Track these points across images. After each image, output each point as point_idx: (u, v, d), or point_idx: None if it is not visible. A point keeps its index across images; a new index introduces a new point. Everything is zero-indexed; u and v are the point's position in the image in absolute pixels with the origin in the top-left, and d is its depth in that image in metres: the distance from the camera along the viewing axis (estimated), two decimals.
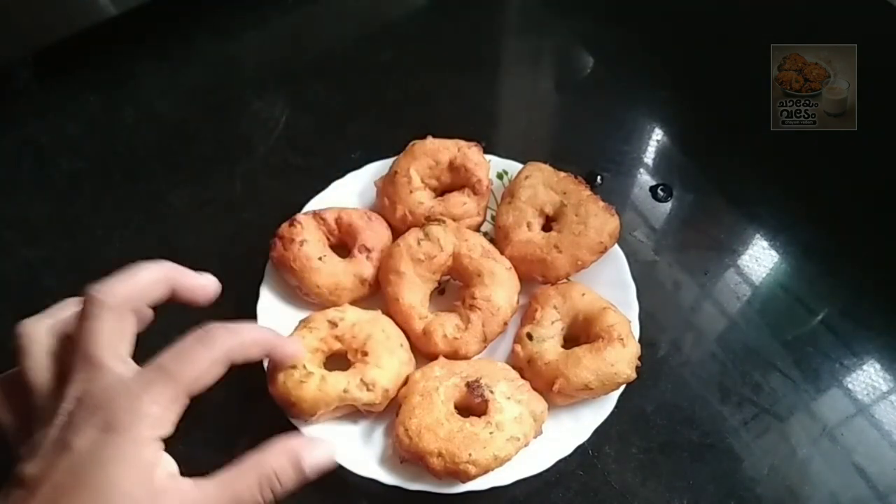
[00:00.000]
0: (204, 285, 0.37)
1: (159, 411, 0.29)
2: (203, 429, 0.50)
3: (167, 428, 0.30)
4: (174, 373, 0.30)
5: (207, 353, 0.31)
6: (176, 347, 0.31)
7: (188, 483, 0.30)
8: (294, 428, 0.47)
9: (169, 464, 0.31)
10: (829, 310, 0.58)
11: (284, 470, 0.32)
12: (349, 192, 0.60)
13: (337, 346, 0.49)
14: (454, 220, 0.55)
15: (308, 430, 0.47)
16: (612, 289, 0.53)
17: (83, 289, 0.33)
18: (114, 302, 0.32)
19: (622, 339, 0.48)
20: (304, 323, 0.50)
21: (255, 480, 0.31)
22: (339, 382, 0.46)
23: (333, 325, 0.49)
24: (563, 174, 0.56)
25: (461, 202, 0.56)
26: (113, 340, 0.31)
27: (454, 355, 0.50)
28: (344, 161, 0.63)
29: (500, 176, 0.60)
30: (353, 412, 0.48)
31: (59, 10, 0.66)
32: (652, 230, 0.63)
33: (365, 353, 0.48)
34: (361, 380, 0.46)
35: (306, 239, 0.54)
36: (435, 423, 0.45)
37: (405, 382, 0.48)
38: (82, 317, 0.32)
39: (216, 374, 0.32)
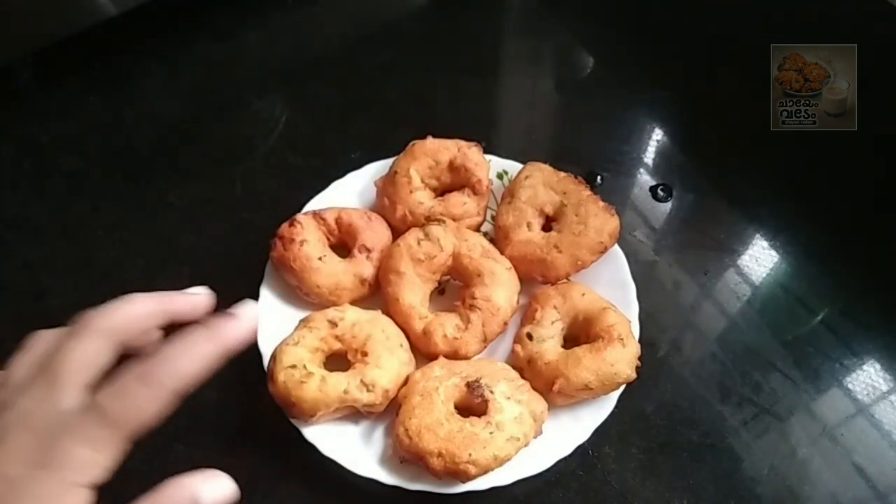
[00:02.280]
0: (195, 303, 0.35)
1: (95, 461, 0.28)
2: (203, 429, 0.50)
3: (98, 474, 0.28)
4: (110, 415, 0.28)
5: (148, 392, 0.29)
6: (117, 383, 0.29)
7: None
8: (294, 428, 0.47)
9: None
10: (829, 310, 0.58)
11: None
12: (349, 192, 0.60)
13: (337, 345, 0.49)
14: (454, 220, 0.55)
15: (308, 431, 0.47)
16: (612, 289, 0.53)
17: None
18: (97, 328, 0.31)
19: (622, 339, 0.48)
20: (304, 322, 0.50)
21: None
22: (339, 383, 0.46)
23: (333, 324, 0.49)
24: (563, 174, 0.56)
25: (461, 202, 0.56)
26: (80, 364, 0.30)
27: (454, 355, 0.50)
28: (344, 161, 0.63)
29: (500, 176, 0.60)
30: (353, 413, 0.48)
31: (59, 10, 0.66)
32: (652, 230, 0.63)
33: (365, 354, 0.48)
34: (361, 380, 0.46)
35: (306, 239, 0.54)
36: (435, 423, 0.45)
37: (405, 382, 0.48)
38: (64, 335, 0.31)
39: (154, 410, 0.29)
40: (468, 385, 0.47)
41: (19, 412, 0.28)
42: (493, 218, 0.58)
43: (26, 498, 0.27)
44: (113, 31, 0.71)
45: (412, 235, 0.53)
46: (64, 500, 0.27)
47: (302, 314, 0.52)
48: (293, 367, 0.46)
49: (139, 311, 0.32)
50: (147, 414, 0.29)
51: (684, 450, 0.50)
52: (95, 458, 0.28)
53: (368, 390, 0.46)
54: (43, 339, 0.32)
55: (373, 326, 0.49)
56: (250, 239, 0.60)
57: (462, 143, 0.58)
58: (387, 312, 0.52)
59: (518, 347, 0.51)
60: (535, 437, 0.46)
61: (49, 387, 0.29)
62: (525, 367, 0.50)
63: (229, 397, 0.50)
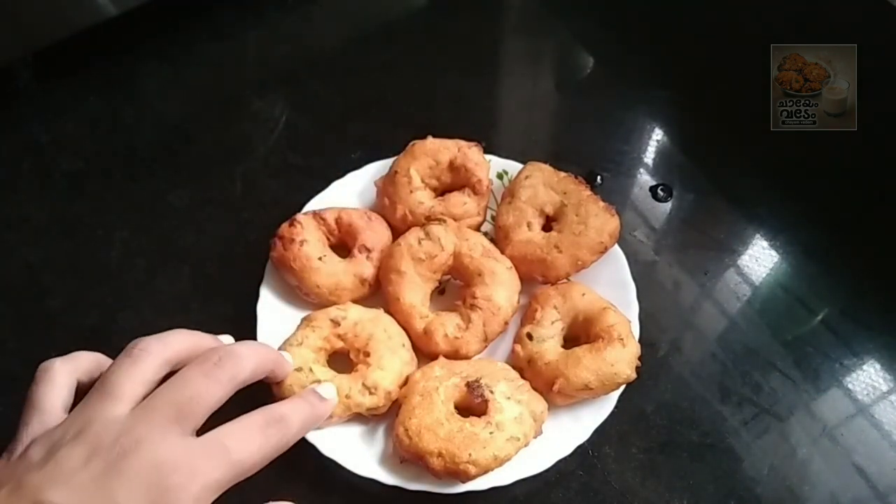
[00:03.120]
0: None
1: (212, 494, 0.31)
2: (203, 429, 0.50)
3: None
4: (223, 450, 0.33)
5: (247, 422, 0.35)
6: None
7: None
8: None
9: None
10: (829, 310, 0.58)
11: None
12: (349, 192, 0.60)
13: (339, 344, 0.49)
14: (454, 219, 0.55)
15: (310, 433, 0.47)
16: (612, 289, 0.53)
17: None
18: (153, 352, 0.34)
19: (622, 339, 0.48)
20: (306, 321, 0.50)
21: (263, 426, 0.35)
22: (342, 388, 0.46)
23: (336, 323, 0.49)
24: (563, 174, 0.56)
25: (461, 202, 0.56)
26: (137, 382, 0.32)
27: (455, 355, 0.50)
28: (344, 161, 0.63)
29: (500, 176, 0.60)
30: (356, 417, 0.48)
31: (59, 10, 0.66)
32: (652, 230, 0.63)
33: (367, 354, 0.48)
34: (363, 384, 0.46)
35: (306, 239, 0.54)
36: (435, 423, 0.45)
37: (407, 382, 0.48)
38: (120, 356, 0.34)
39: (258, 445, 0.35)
40: (468, 385, 0.47)
41: (89, 421, 0.31)
42: (493, 218, 0.58)
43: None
44: (113, 31, 0.71)
45: (413, 235, 0.53)
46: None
47: (302, 314, 0.52)
48: (299, 369, 0.46)
49: (181, 343, 0.36)
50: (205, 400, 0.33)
51: (684, 450, 0.50)
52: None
53: (371, 393, 0.46)
54: (62, 371, 0.34)
55: (375, 326, 0.49)
56: (250, 239, 0.60)
57: (462, 143, 0.58)
58: (387, 312, 0.52)
59: (518, 347, 0.51)
60: (535, 437, 0.46)
61: (108, 400, 0.32)
62: (525, 367, 0.50)
63: (232, 400, 0.50)
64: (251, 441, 0.33)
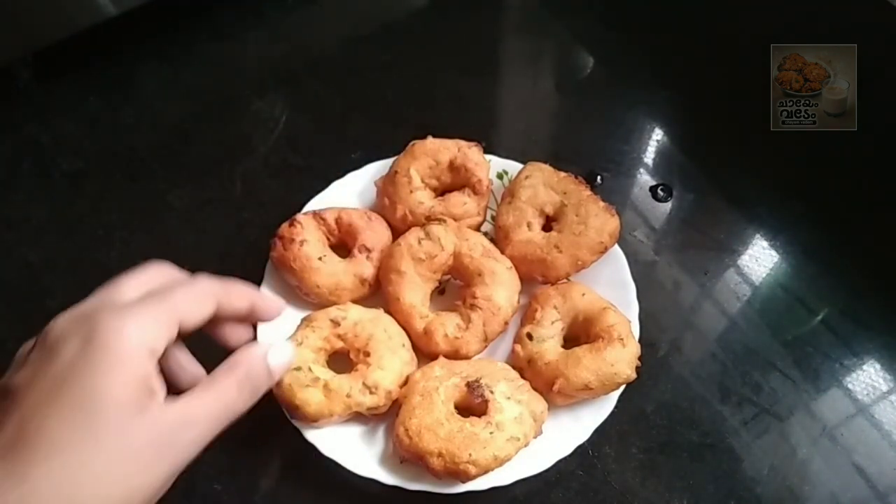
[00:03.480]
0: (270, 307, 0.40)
1: (145, 324, 0.31)
2: None
3: (155, 341, 0.31)
4: (164, 296, 0.33)
5: (198, 286, 0.34)
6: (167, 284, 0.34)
7: (178, 398, 0.32)
8: (294, 428, 0.47)
9: (191, 367, 0.35)
10: (829, 310, 0.58)
11: (253, 369, 0.35)
12: (349, 192, 0.60)
13: (339, 344, 0.49)
14: (454, 219, 0.55)
15: (308, 431, 0.47)
16: (612, 289, 0.53)
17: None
18: (208, 286, 0.35)
19: (622, 339, 0.48)
20: (306, 322, 0.50)
21: (233, 382, 0.33)
22: (342, 387, 0.46)
23: (336, 323, 0.49)
24: (563, 174, 0.56)
25: (461, 202, 0.56)
26: (186, 300, 0.33)
27: (455, 355, 0.50)
28: (344, 161, 0.63)
29: (500, 176, 0.60)
30: (356, 416, 0.48)
31: (59, 10, 0.66)
32: (652, 230, 0.63)
33: (367, 354, 0.48)
34: (364, 383, 0.46)
35: (306, 239, 0.54)
36: (435, 423, 0.45)
37: (407, 382, 0.48)
38: (182, 278, 0.36)
39: (206, 310, 0.34)
40: (468, 385, 0.47)
41: (66, 317, 0.32)
42: (493, 218, 0.58)
43: (91, 369, 0.29)
44: (113, 31, 0.71)
45: (413, 235, 0.53)
46: (131, 364, 0.30)
47: (302, 314, 0.52)
48: (298, 369, 0.46)
49: (239, 292, 0.38)
50: (196, 303, 0.34)
51: (684, 450, 0.50)
52: (151, 326, 0.31)
53: (371, 393, 0.46)
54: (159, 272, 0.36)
55: (375, 326, 0.49)
56: (250, 239, 0.60)
57: (462, 143, 0.58)
58: (387, 312, 0.52)
59: (518, 347, 0.51)
60: (535, 437, 0.46)
61: (103, 291, 0.34)
62: (525, 367, 0.50)
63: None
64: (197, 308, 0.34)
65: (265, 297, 0.40)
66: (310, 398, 0.45)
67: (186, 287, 0.34)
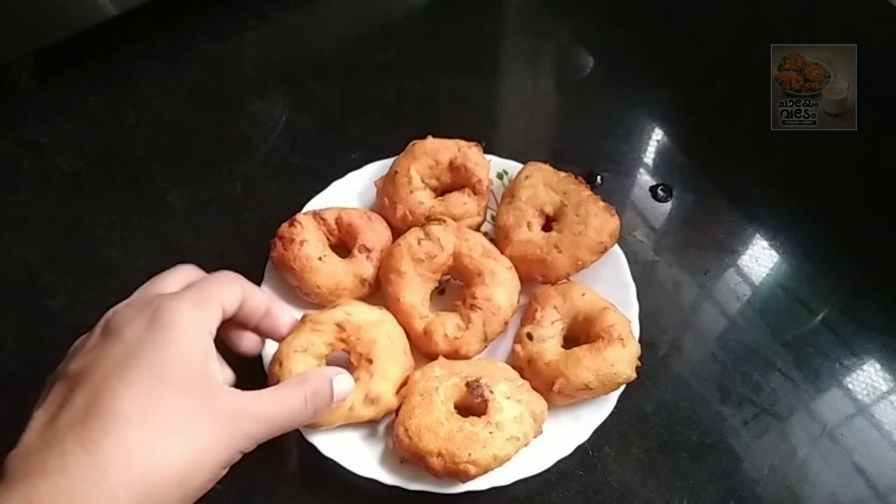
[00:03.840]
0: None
1: (199, 305, 0.34)
2: None
3: (210, 321, 0.34)
4: (204, 284, 0.36)
5: (229, 276, 0.38)
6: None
7: (246, 392, 0.34)
8: (295, 430, 0.47)
9: (224, 369, 0.37)
10: (829, 310, 0.58)
11: (321, 390, 0.38)
12: (349, 192, 0.60)
13: (341, 347, 0.48)
14: (454, 220, 0.55)
15: (310, 434, 0.47)
16: (612, 289, 0.53)
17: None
18: (240, 281, 0.39)
19: (622, 339, 0.48)
20: (311, 325, 0.47)
21: (301, 395, 0.37)
22: (345, 399, 0.44)
23: (341, 328, 0.48)
24: (563, 174, 0.56)
25: (461, 202, 0.56)
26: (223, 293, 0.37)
27: (455, 355, 0.50)
28: (344, 161, 0.63)
29: (500, 176, 0.60)
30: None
31: (59, 10, 0.66)
32: (652, 230, 0.63)
33: (370, 361, 0.47)
34: (367, 396, 0.46)
35: (306, 239, 0.54)
36: (435, 423, 0.45)
37: (405, 383, 0.48)
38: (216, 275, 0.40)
39: (238, 296, 0.38)
40: (468, 385, 0.47)
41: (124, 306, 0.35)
42: (493, 218, 0.58)
43: (156, 348, 0.31)
44: (113, 31, 0.71)
45: (413, 235, 0.53)
46: (194, 344, 0.32)
47: (302, 314, 0.52)
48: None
49: (260, 292, 0.42)
50: (230, 291, 0.37)
51: (684, 450, 0.50)
52: (205, 309, 0.34)
53: (373, 404, 0.46)
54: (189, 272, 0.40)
55: (378, 331, 0.48)
56: (250, 239, 0.60)
57: (462, 143, 0.58)
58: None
59: (518, 347, 0.51)
60: (535, 437, 0.46)
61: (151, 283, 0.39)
62: (525, 367, 0.50)
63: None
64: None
65: (282, 306, 0.43)
66: None
67: (219, 276, 0.37)
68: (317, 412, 0.38)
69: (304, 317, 0.48)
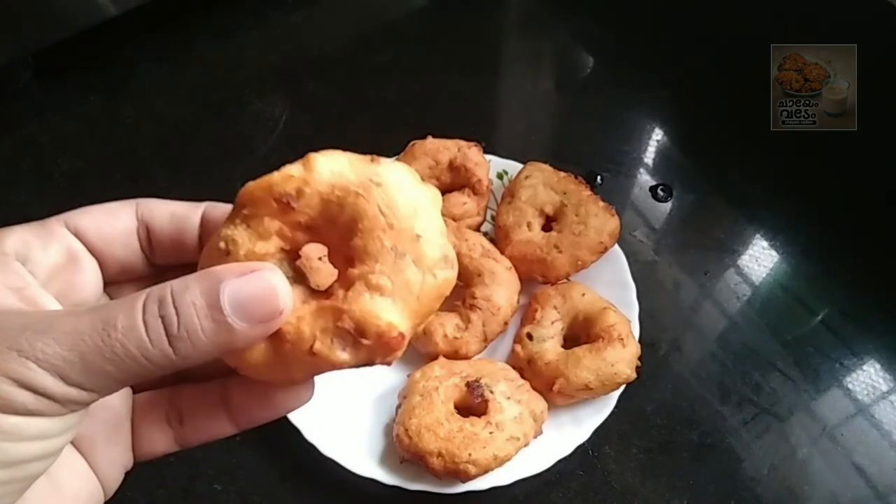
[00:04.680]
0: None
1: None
2: None
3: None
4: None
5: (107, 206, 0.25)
6: None
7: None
8: (294, 428, 0.47)
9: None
10: (829, 310, 0.58)
11: (187, 294, 0.20)
12: None
13: (306, 240, 0.24)
14: (454, 219, 0.55)
15: (308, 431, 0.47)
16: (612, 289, 0.53)
17: None
18: None
19: (622, 339, 0.48)
20: (236, 211, 0.25)
21: (139, 300, 0.20)
22: (303, 334, 0.22)
23: (287, 208, 0.23)
24: (563, 174, 0.56)
25: (461, 202, 0.56)
26: None
27: (454, 355, 0.50)
28: None
29: (500, 176, 0.60)
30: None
31: (59, 10, 0.66)
32: (652, 230, 0.63)
33: (349, 260, 0.23)
34: (337, 325, 0.22)
35: None
36: (435, 423, 0.45)
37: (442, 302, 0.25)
38: None
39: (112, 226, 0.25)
40: (468, 385, 0.47)
41: None
42: (493, 218, 0.58)
43: None
44: (113, 31, 0.71)
45: None
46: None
47: None
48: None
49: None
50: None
51: (684, 450, 0.50)
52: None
53: (354, 343, 0.22)
54: None
55: (366, 206, 0.23)
56: None
57: (462, 143, 0.58)
58: None
59: (518, 347, 0.51)
60: (535, 437, 0.46)
61: None
62: (525, 367, 0.50)
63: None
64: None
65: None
66: (250, 358, 0.22)
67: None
68: (192, 344, 0.20)
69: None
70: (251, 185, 0.24)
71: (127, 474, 0.25)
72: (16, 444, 0.19)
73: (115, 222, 0.25)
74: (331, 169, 0.24)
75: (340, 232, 0.23)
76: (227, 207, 0.26)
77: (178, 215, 0.26)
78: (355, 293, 0.22)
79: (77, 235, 0.24)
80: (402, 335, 0.22)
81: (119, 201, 0.25)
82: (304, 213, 0.23)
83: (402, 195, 0.24)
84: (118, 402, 0.24)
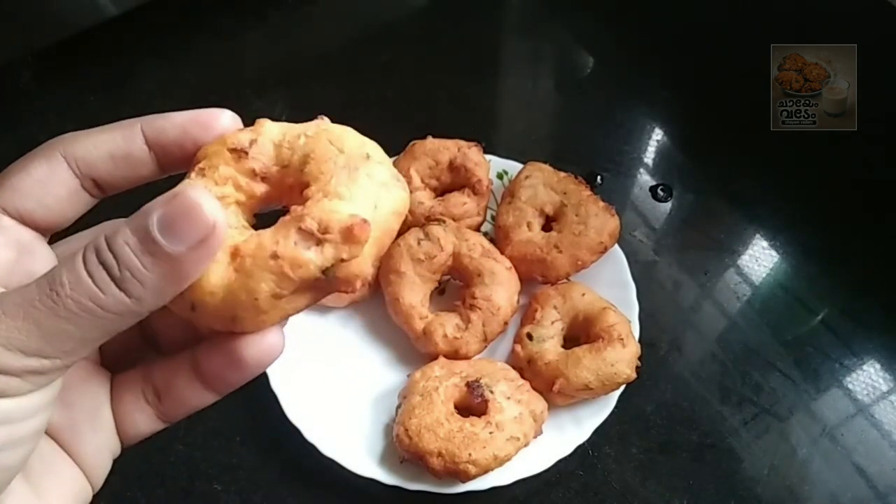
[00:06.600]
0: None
1: None
2: (203, 430, 0.50)
3: None
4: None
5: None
6: None
7: None
8: (294, 428, 0.47)
9: None
10: (829, 310, 0.58)
11: (119, 236, 0.19)
12: None
13: (260, 190, 0.25)
14: (454, 220, 0.55)
15: (308, 431, 0.47)
16: (612, 289, 0.53)
17: None
18: None
19: (622, 339, 0.48)
20: (194, 162, 0.26)
21: (78, 255, 0.20)
22: (264, 244, 0.22)
23: (241, 154, 0.25)
24: (563, 174, 0.56)
25: (461, 202, 0.56)
26: None
27: (454, 355, 0.50)
28: None
29: (500, 176, 0.60)
30: (317, 294, 0.24)
31: (59, 10, 0.66)
32: (652, 230, 0.63)
33: (305, 185, 0.24)
34: (300, 228, 0.22)
35: None
36: (435, 422, 0.45)
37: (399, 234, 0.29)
38: None
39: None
40: (468, 385, 0.47)
41: None
42: (493, 218, 0.58)
43: None
44: (113, 31, 0.71)
45: (412, 235, 0.53)
46: None
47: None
48: None
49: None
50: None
51: (684, 450, 0.50)
52: None
53: (318, 242, 0.22)
54: None
55: (315, 142, 0.25)
56: None
57: (462, 143, 0.58)
58: (388, 312, 0.52)
59: (518, 347, 0.51)
60: (535, 437, 0.46)
61: None
62: (525, 367, 0.50)
63: (228, 398, 0.50)
64: None
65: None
66: (210, 282, 0.22)
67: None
68: (142, 284, 0.19)
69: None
70: (206, 143, 0.25)
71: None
72: None
73: (56, 189, 0.24)
74: (279, 125, 0.25)
75: (294, 174, 0.24)
76: (166, 116, 0.26)
77: (117, 154, 0.25)
78: (314, 201, 0.22)
79: (22, 220, 0.24)
80: (365, 221, 0.22)
81: (40, 155, 0.25)
82: (257, 160, 0.24)
83: (349, 133, 0.25)
84: (95, 387, 0.24)
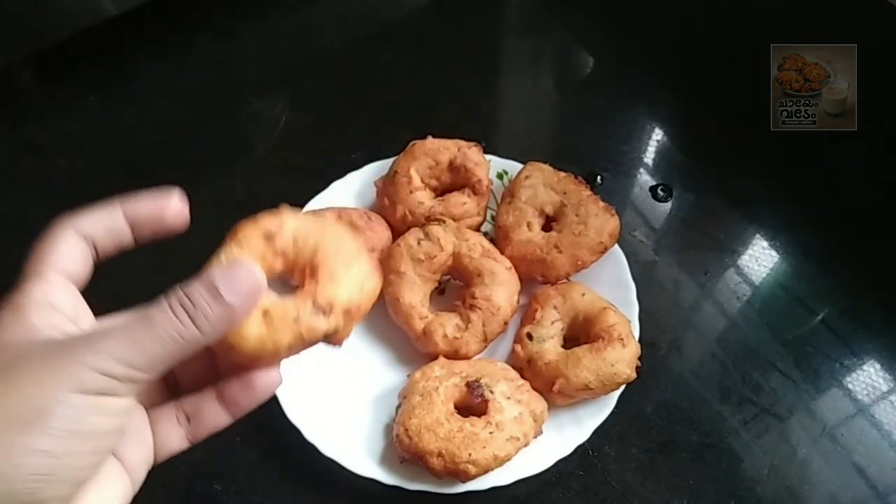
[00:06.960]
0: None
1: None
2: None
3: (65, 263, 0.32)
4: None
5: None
6: None
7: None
8: (294, 428, 0.47)
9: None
10: (829, 310, 0.58)
11: (194, 289, 0.29)
12: (349, 192, 0.60)
13: (278, 265, 0.35)
14: (454, 220, 0.55)
15: (308, 431, 0.47)
16: (612, 289, 0.53)
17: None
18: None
19: (622, 339, 0.48)
20: (230, 237, 0.36)
21: (164, 301, 0.28)
22: (287, 312, 0.32)
23: (269, 238, 0.35)
24: (563, 174, 0.56)
25: (461, 202, 0.56)
26: None
27: (454, 355, 0.50)
28: (344, 161, 0.63)
29: (500, 176, 0.60)
30: (307, 344, 0.34)
31: (59, 10, 0.66)
32: (652, 230, 0.63)
33: (314, 270, 0.35)
34: (314, 302, 0.33)
35: None
36: (435, 422, 0.45)
37: (371, 301, 0.36)
38: None
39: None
40: (468, 385, 0.47)
41: None
42: (493, 218, 0.58)
43: None
44: (113, 31, 0.71)
45: (412, 235, 0.53)
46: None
47: None
48: None
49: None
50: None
51: (684, 450, 0.50)
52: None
53: (325, 314, 0.33)
54: None
55: (321, 235, 0.36)
56: None
57: (462, 143, 0.58)
58: (389, 312, 0.52)
59: (518, 347, 0.51)
60: (535, 437, 0.46)
61: None
62: (525, 367, 0.50)
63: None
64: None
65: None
66: (247, 331, 0.32)
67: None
68: (209, 322, 0.28)
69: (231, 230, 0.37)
70: (242, 222, 0.36)
71: None
72: (102, 417, 0.25)
73: (79, 254, 0.33)
74: (295, 219, 0.36)
75: (305, 260, 0.35)
76: (137, 198, 0.36)
77: (112, 228, 0.35)
78: (322, 284, 0.34)
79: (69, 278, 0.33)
80: (358, 307, 0.34)
81: (59, 230, 0.33)
82: (282, 241, 0.35)
83: (345, 235, 0.37)
84: (139, 413, 0.32)
